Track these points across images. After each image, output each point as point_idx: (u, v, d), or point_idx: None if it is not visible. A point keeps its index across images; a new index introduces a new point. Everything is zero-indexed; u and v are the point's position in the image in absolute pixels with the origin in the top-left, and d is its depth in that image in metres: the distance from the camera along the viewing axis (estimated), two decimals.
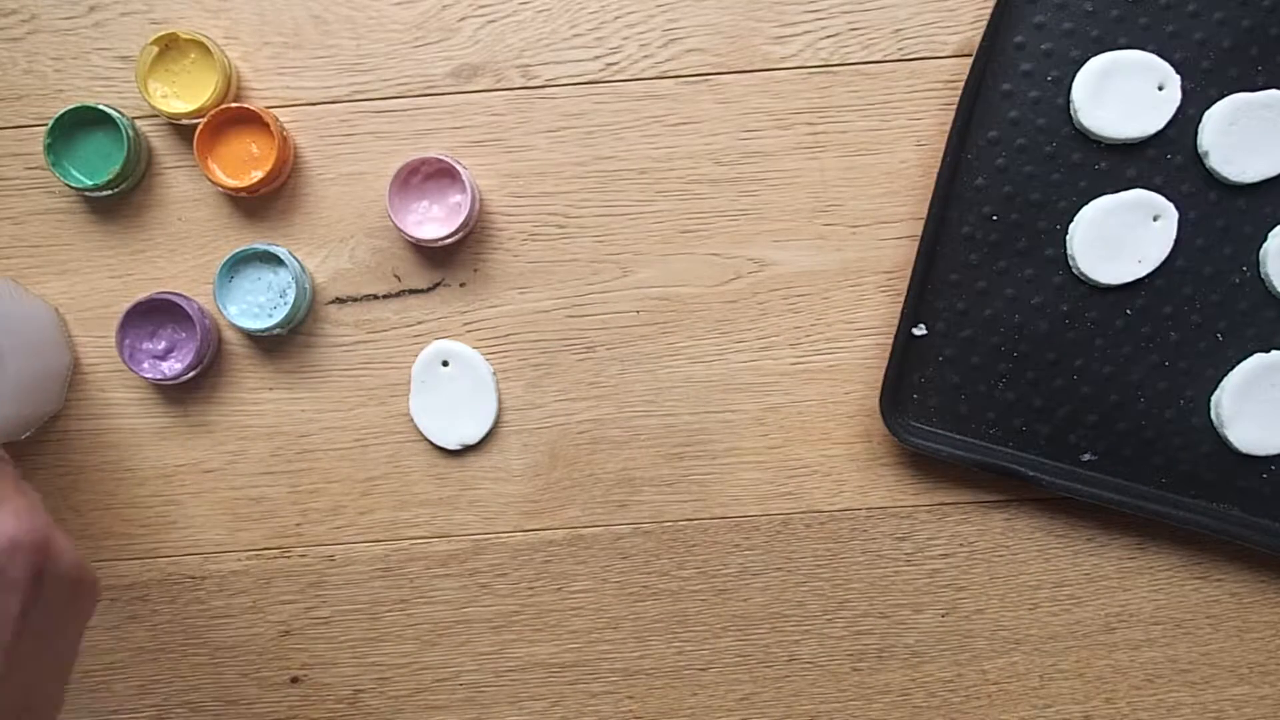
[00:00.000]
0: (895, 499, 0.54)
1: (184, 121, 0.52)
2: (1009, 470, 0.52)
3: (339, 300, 0.54)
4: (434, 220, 0.53)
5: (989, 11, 0.51)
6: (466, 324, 0.54)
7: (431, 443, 0.54)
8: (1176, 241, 0.51)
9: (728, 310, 0.54)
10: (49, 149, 0.51)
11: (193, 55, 0.52)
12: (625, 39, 0.53)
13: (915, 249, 0.52)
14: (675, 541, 0.55)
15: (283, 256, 0.52)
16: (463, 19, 0.53)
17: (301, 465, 0.55)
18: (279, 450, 0.54)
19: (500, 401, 0.54)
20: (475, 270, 0.54)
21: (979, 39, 0.51)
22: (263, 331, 0.52)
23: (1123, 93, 0.50)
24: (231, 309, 0.52)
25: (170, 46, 0.52)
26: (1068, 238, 0.52)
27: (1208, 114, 0.51)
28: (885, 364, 0.52)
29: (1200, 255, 0.52)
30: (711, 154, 0.54)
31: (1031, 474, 0.52)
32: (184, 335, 0.52)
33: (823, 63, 0.53)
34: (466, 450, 0.54)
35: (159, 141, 0.54)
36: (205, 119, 0.51)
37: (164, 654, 0.55)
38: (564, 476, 0.55)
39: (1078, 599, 0.55)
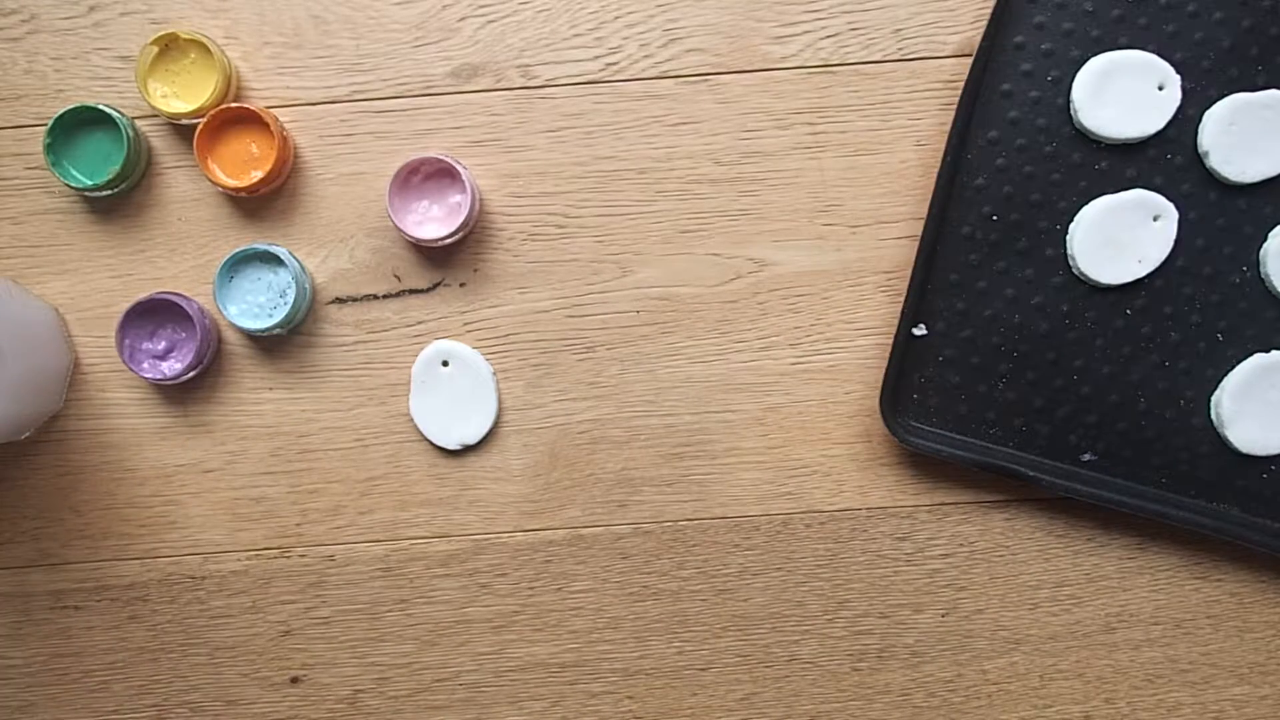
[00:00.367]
0: (895, 499, 0.54)
1: (184, 121, 0.52)
2: (1009, 470, 0.52)
3: (339, 300, 0.54)
4: (434, 220, 0.53)
5: (989, 11, 0.51)
6: (466, 324, 0.54)
7: (431, 443, 0.54)
8: (1176, 241, 0.51)
9: (728, 310, 0.54)
10: (49, 149, 0.51)
11: (193, 55, 0.52)
12: (625, 39, 0.53)
13: (915, 249, 0.52)
14: (675, 541, 0.55)
15: (283, 256, 0.52)
16: (463, 19, 0.53)
17: (301, 465, 0.55)
18: (279, 450, 0.54)
19: (500, 401, 0.54)
20: (475, 270, 0.54)
21: (979, 39, 0.51)
22: (263, 331, 0.52)
23: (1123, 93, 0.50)
24: (231, 309, 0.52)
25: (170, 46, 0.52)
26: (1068, 238, 0.52)
27: (1208, 114, 0.51)
28: (885, 364, 0.52)
29: (1200, 255, 0.52)
30: (711, 154, 0.54)
31: (1031, 474, 0.52)
32: (184, 335, 0.52)
33: (823, 63, 0.53)
34: (466, 450, 0.54)
35: (159, 141, 0.54)
36: (205, 119, 0.51)
37: (164, 654, 0.55)
38: (564, 476, 0.55)
39: (1078, 599, 0.55)
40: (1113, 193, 0.51)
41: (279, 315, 0.52)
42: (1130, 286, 0.52)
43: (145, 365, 0.52)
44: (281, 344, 0.54)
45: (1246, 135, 0.50)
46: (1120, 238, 0.51)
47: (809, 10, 0.53)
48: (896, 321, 0.52)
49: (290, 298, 0.52)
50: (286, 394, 0.54)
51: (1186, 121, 0.51)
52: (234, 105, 0.52)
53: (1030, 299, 0.52)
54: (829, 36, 0.53)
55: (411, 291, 0.54)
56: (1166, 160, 0.51)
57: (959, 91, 0.51)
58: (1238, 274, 0.52)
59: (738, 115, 0.53)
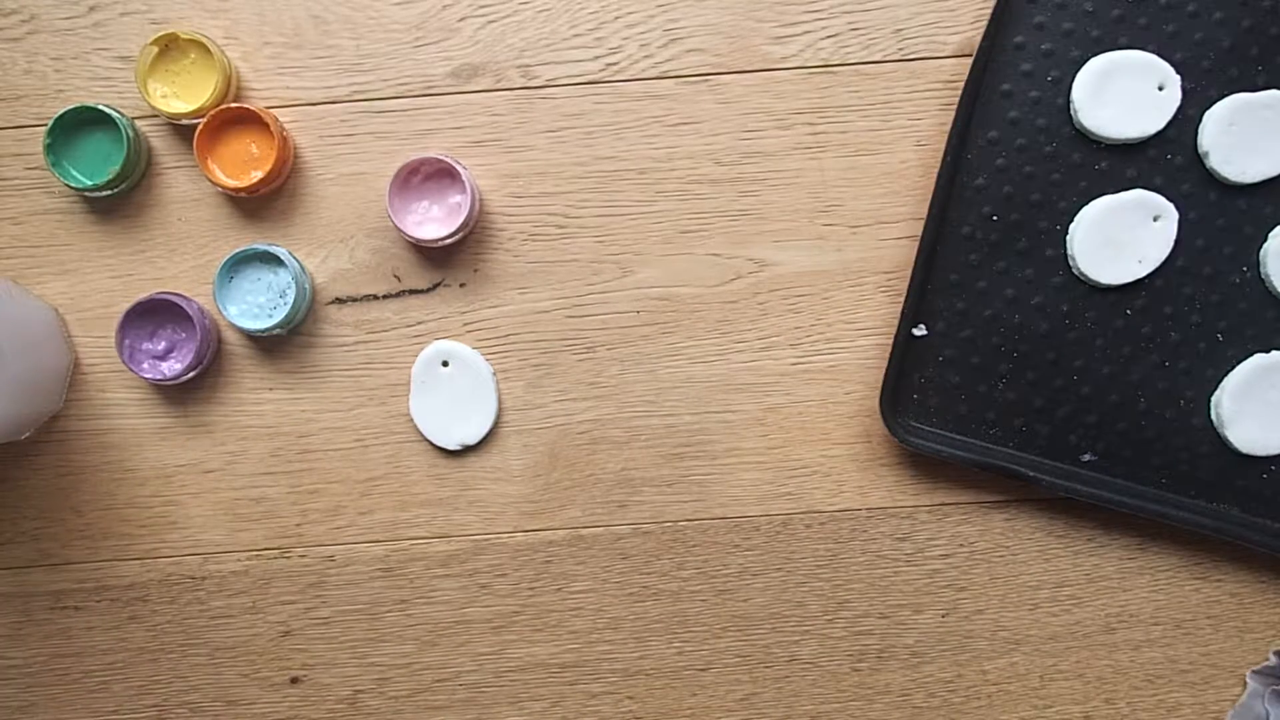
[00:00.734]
0: (895, 499, 0.54)
1: (184, 121, 0.52)
2: (1009, 470, 0.52)
3: (339, 300, 0.54)
4: (434, 220, 0.52)
5: (989, 11, 0.51)
6: (466, 324, 0.54)
7: (431, 443, 0.54)
8: (1176, 241, 0.51)
9: (728, 310, 0.54)
10: (49, 149, 0.51)
11: (192, 55, 0.52)
12: (625, 39, 0.53)
13: (915, 249, 0.52)
14: (675, 542, 0.55)
15: (283, 257, 0.52)
16: (463, 19, 0.53)
17: (301, 465, 0.55)
18: (279, 450, 0.54)
19: (500, 401, 0.54)
20: (475, 270, 0.54)
21: (979, 39, 0.51)
22: (263, 332, 0.52)
23: (1123, 93, 0.50)
24: (231, 309, 0.52)
25: (170, 46, 0.52)
26: (1068, 238, 0.52)
27: (1208, 114, 0.51)
28: (885, 364, 0.52)
29: (1200, 255, 0.52)
30: (711, 154, 0.54)
31: (1031, 474, 0.52)
32: (184, 335, 0.52)
33: (823, 63, 0.53)
34: (466, 450, 0.54)
35: (159, 141, 0.54)
36: (205, 119, 0.51)
37: (164, 654, 0.55)
38: (564, 477, 0.55)
39: (1078, 599, 0.55)
40: (1113, 193, 0.51)
41: (279, 315, 0.52)
42: (1130, 286, 0.52)
43: (145, 365, 0.52)
44: (281, 344, 0.54)
45: (1246, 135, 0.50)
46: (1120, 238, 0.51)
47: (809, 10, 0.53)
48: (896, 321, 0.52)
49: (290, 298, 0.52)
50: (286, 394, 0.54)
51: (1186, 121, 0.51)
52: (234, 105, 0.52)
53: (1030, 299, 0.52)
54: (829, 37, 0.53)
55: (411, 291, 0.54)
56: (1166, 160, 0.51)
57: (959, 91, 0.51)
58: (1238, 274, 0.52)
59: (738, 115, 0.53)
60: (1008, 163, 0.52)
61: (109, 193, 0.53)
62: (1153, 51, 0.51)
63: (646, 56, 0.53)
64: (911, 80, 0.53)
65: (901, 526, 0.55)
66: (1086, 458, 0.53)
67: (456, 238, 0.53)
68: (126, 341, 0.52)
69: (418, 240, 0.52)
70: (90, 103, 0.51)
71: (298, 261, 0.53)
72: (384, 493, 0.55)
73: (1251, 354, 0.52)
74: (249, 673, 0.55)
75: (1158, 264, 0.51)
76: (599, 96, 0.54)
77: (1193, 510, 0.52)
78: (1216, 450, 0.52)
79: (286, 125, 0.53)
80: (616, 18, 0.53)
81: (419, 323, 0.54)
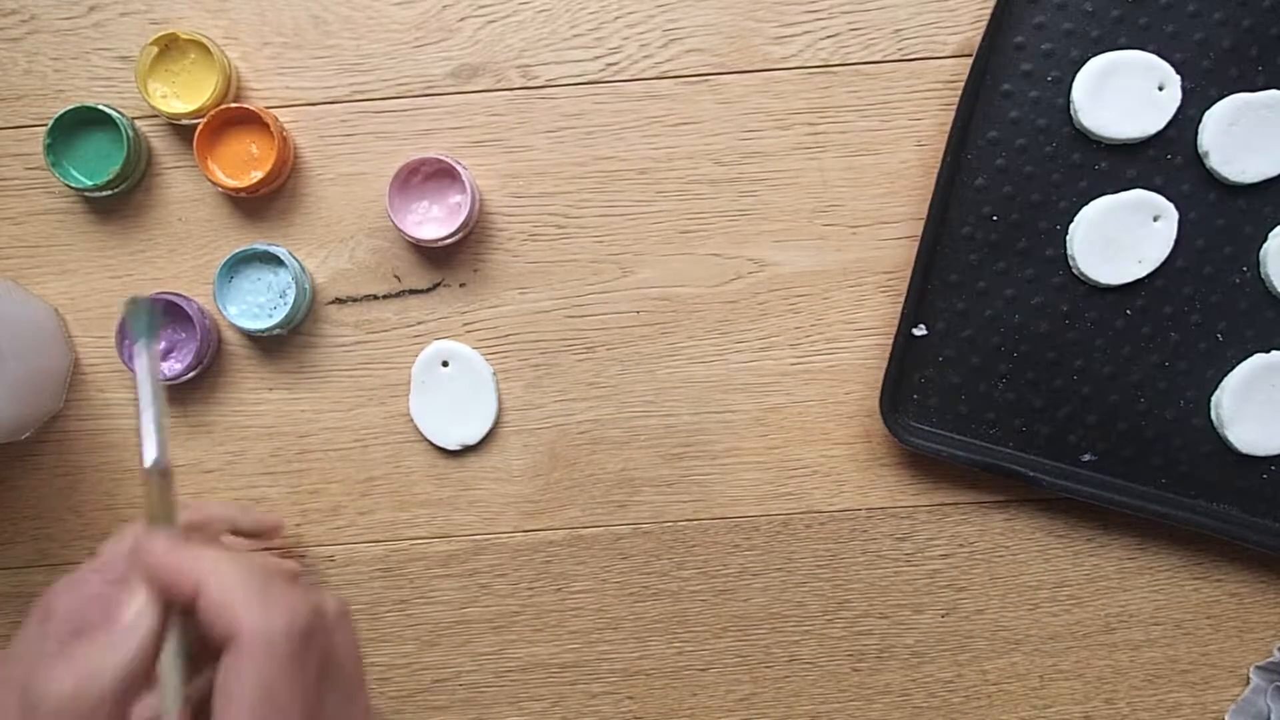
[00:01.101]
0: (895, 499, 0.54)
1: (184, 121, 0.52)
2: (1009, 470, 0.52)
3: (339, 300, 0.54)
4: (434, 220, 0.52)
5: (989, 11, 0.51)
6: (466, 324, 0.54)
7: (431, 443, 0.54)
8: (1176, 242, 0.51)
9: (728, 310, 0.54)
10: (49, 149, 0.51)
11: (192, 55, 0.52)
12: (625, 39, 0.53)
13: (915, 249, 0.52)
14: (675, 542, 0.55)
15: (283, 257, 0.52)
16: (463, 19, 0.53)
17: (301, 465, 0.55)
18: (279, 450, 0.54)
19: (500, 402, 0.54)
20: (475, 270, 0.54)
21: (979, 39, 0.51)
22: (263, 332, 0.52)
23: (1123, 93, 0.50)
24: (231, 309, 0.52)
25: (170, 47, 0.52)
26: (1068, 238, 0.52)
27: (1208, 114, 0.51)
28: (885, 364, 0.52)
29: (1200, 255, 0.52)
30: (711, 154, 0.54)
31: (1031, 474, 0.52)
32: (184, 335, 0.52)
33: (823, 63, 0.53)
34: (466, 450, 0.54)
35: (159, 141, 0.54)
36: (205, 119, 0.51)
37: None
38: (564, 477, 0.55)
39: (1078, 599, 0.55)
40: (1113, 193, 0.51)
41: (279, 315, 0.52)
42: (1130, 287, 0.52)
43: None
44: (281, 344, 0.54)
45: (1246, 135, 0.50)
46: (1120, 238, 0.51)
47: (809, 10, 0.53)
48: (896, 321, 0.52)
49: (290, 298, 0.52)
50: (286, 394, 0.54)
51: (1186, 122, 0.51)
52: (234, 105, 0.52)
53: (1030, 299, 0.52)
54: (829, 37, 0.53)
55: (411, 291, 0.54)
56: (1166, 160, 0.51)
57: (959, 91, 0.51)
58: (1238, 274, 0.52)
59: (738, 115, 0.53)
60: (1008, 163, 0.52)
61: (109, 193, 0.53)
62: (1153, 51, 0.51)
63: (646, 56, 0.53)
64: (911, 80, 0.53)
65: (901, 526, 0.55)
66: (1086, 458, 0.53)
67: (456, 238, 0.53)
68: (126, 341, 0.52)
69: (418, 240, 0.52)
70: (90, 103, 0.51)
71: (298, 261, 0.53)
72: (384, 493, 0.55)
73: (1251, 354, 0.52)
74: None
75: (1158, 264, 0.51)
76: (599, 96, 0.54)
77: (1193, 510, 0.52)
78: (1216, 450, 0.52)
79: (286, 125, 0.53)
80: (616, 18, 0.53)
81: (419, 323, 0.54)
